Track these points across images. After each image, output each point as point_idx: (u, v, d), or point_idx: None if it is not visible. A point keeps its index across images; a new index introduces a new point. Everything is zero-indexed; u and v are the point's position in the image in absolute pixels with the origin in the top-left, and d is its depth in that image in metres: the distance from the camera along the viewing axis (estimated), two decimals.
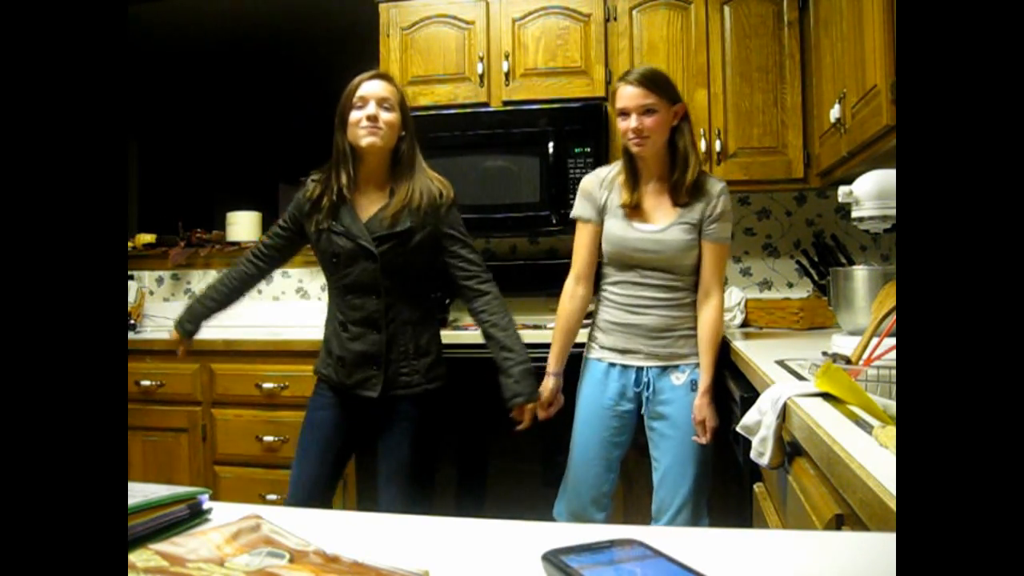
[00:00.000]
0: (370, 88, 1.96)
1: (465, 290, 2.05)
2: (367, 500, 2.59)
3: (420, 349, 2.03)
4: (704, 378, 2.03)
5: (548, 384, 2.14)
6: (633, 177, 2.08)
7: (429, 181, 2.02)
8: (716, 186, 2.07)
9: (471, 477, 2.66)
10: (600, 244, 2.14)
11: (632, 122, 1.99)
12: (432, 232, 2.00)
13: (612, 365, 2.10)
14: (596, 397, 2.11)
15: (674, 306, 2.07)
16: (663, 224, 2.05)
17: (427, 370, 2.03)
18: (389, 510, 2.03)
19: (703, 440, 2.01)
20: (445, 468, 2.65)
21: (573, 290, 2.16)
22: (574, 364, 2.20)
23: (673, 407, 2.05)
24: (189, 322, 2.19)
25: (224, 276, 2.20)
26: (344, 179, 1.97)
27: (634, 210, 2.07)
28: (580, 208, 2.15)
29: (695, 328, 2.09)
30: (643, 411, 2.10)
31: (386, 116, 1.95)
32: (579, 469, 2.12)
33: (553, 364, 2.16)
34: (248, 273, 2.18)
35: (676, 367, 2.07)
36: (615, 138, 2.77)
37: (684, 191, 2.03)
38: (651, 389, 2.07)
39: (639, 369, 2.08)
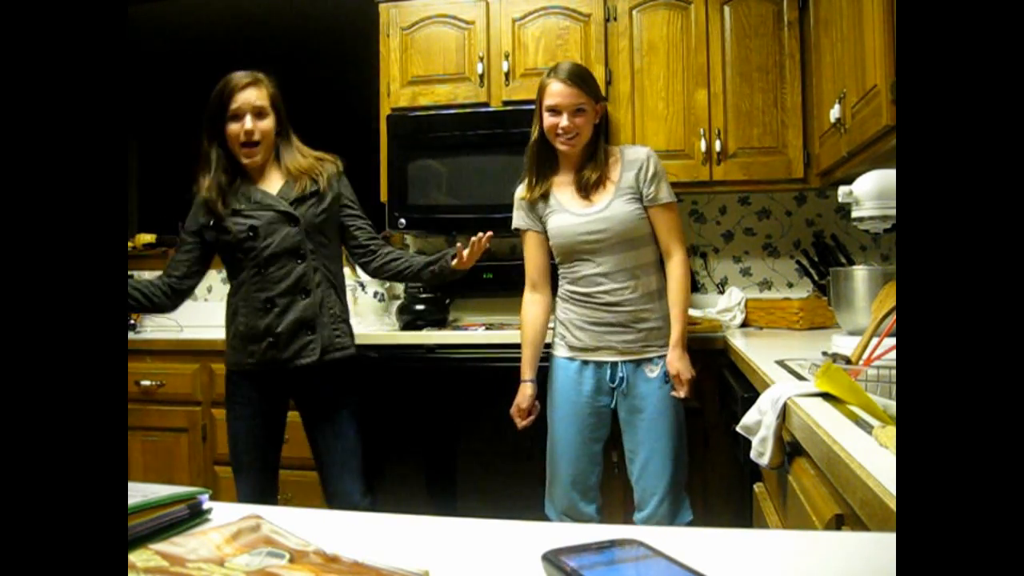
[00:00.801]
0: (244, 98, 2.01)
1: (368, 252, 2.13)
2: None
3: (343, 312, 2.11)
4: (674, 331, 2.05)
5: (526, 391, 2.15)
6: (547, 170, 2.11)
7: (314, 152, 2.12)
8: (640, 151, 2.10)
9: (463, 476, 2.65)
10: (548, 249, 2.16)
11: (564, 121, 2.02)
12: (335, 197, 2.08)
13: (585, 363, 2.10)
14: (572, 395, 2.11)
15: (640, 297, 2.07)
16: (604, 202, 2.06)
17: (350, 334, 2.13)
18: (347, 494, 2.04)
19: (681, 393, 2.03)
20: (439, 468, 2.65)
21: (531, 297, 2.19)
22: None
23: (647, 400, 2.06)
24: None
25: (151, 284, 2.12)
26: (232, 170, 2.05)
27: (573, 198, 2.09)
28: (517, 219, 2.18)
29: (664, 319, 2.09)
30: (616, 405, 2.11)
31: (262, 125, 2.02)
32: (564, 467, 2.12)
33: (527, 371, 2.16)
34: (172, 289, 2.10)
35: (649, 360, 2.08)
36: (614, 138, 2.77)
37: (593, 184, 2.07)
38: (625, 384, 2.08)
39: (613, 364, 2.08)
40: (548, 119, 2.04)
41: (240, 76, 2.02)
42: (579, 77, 2.04)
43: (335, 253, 2.13)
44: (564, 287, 2.14)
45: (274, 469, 2.12)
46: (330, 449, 2.07)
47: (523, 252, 2.20)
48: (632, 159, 2.08)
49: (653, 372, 2.07)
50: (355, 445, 2.08)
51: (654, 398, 2.06)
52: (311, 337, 2.01)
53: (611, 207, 2.05)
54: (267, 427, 2.08)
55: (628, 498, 2.48)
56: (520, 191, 2.18)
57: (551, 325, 2.21)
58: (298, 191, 2.03)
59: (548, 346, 2.22)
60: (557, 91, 2.02)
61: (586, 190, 2.07)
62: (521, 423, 2.15)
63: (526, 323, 2.18)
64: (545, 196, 2.12)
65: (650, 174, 2.06)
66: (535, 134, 2.10)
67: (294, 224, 2.01)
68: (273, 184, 2.06)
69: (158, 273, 3.39)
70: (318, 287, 2.03)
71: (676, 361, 2.03)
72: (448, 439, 2.65)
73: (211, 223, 2.04)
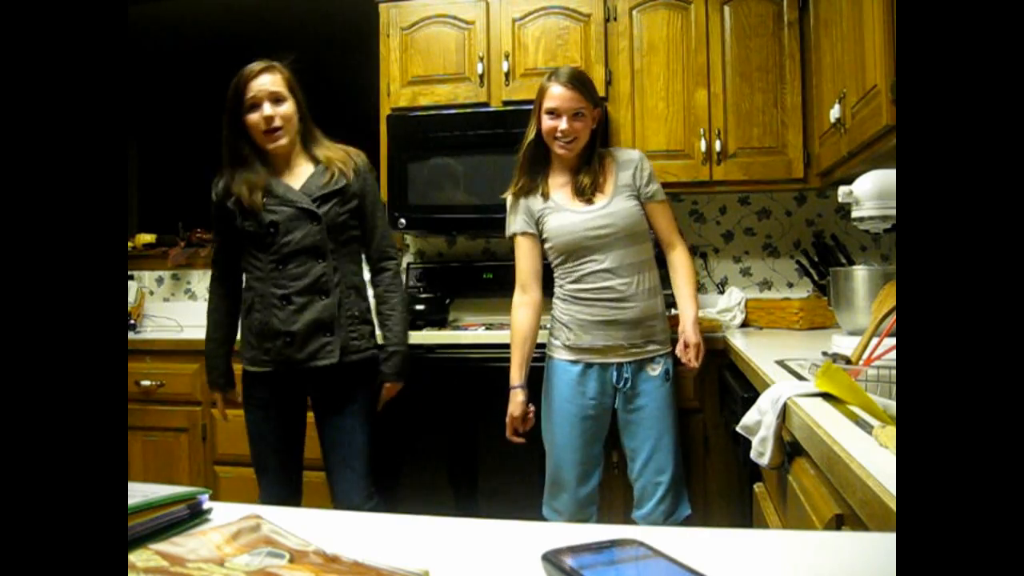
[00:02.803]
0: (259, 85, 1.97)
1: (372, 260, 2.12)
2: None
3: (364, 313, 2.08)
4: (690, 309, 2.10)
5: (518, 398, 2.11)
6: (538, 172, 2.13)
7: (339, 144, 2.08)
8: (633, 153, 2.17)
9: (462, 476, 2.65)
10: (541, 252, 2.16)
11: (563, 124, 2.03)
12: (360, 192, 2.04)
13: (589, 366, 2.09)
14: (575, 400, 2.10)
15: (645, 291, 2.09)
16: (605, 200, 2.09)
17: (370, 335, 2.09)
18: (349, 496, 2.01)
19: (694, 364, 2.05)
20: (438, 468, 2.64)
21: (520, 299, 2.16)
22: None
23: (648, 398, 2.09)
24: (221, 377, 2.15)
25: (213, 314, 2.14)
26: (260, 162, 2.01)
27: (571, 199, 2.10)
28: (514, 223, 2.16)
29: (663, 317, 2.14)
30: (617, 404, 2.12)
31: (281, 110, 1.98)
32: (565, 472, 2.12)
33: (517, 377, 2.12)
34: (228, 297, 2.12)
35: (651, 359, 2.10)
36: (614, 138, 2.77)
37: (590, 187, 2.09)
38: (629, 384, 2.09)
39: (619, 366, 2.09)
40: (547, 122, 2.05)
41: (252, 65, 1.99)
42: (579, 81, 2.05)
43: (357, 252, 2.10)
44: (565, 287, 2.12)
45: (296, 470, 2.09)
46: (336, 446, 2.05)
47: (515, 256, 2.18)
48: (626, 159, 2.13)
49: (655, 371, 2.10)
50: (362, 447, 2.04)
51: (655, 395, 2.08)
52: (329, 339, 1.98)
53: (613, 203, 2.08)
54: (285, 428, 2.05)
55: (628, 498, 2.48)
56: (510, 194, 2.18)
57: (545, 326, 2.20)
58: (324, 185, 1.99)
59: (540, 346, 2.20)
60: (557, 94, 2.03)
61: (583, 193, 2.09)
62: (520, 430, 2.12)
63: (518, 326, 2.14)
64: (543, 196, 2.12)
65: (646, 174, 2.12)
66: (530, 135, 2.11)
67: (316, 222, 1.97)
68: (299, 176, 2.02)
69: (159, 273, 3.37)
70: (337, 287, 1.99)
71: (694, 336, 2.06)
72: (447, 439, 2.65)
73: (236, 214, 1.99)
